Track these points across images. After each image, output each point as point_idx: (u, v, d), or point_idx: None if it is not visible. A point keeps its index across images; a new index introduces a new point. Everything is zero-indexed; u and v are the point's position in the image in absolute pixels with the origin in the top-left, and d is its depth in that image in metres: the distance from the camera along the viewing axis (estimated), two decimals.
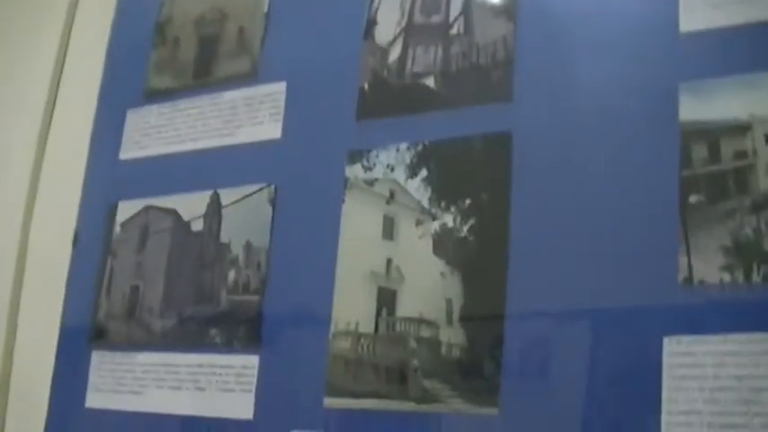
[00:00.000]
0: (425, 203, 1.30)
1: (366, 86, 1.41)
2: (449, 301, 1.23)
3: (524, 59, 1.29)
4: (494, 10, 1.34)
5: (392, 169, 1.34)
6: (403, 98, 1.38)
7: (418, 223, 1.29)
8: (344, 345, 1.29)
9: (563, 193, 1.21)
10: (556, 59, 1.27)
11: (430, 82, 1.36)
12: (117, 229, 1.58)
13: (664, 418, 1.06)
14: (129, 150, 1.62)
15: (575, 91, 1.24)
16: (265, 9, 1.57)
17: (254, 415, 1.34)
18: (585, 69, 1.25)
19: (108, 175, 1.63)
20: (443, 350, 1.22)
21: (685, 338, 1.08)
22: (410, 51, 1.40)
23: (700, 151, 1.13)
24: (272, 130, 1.47)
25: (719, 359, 1.06)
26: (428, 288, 1.26)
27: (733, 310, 1.07)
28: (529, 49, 1.30)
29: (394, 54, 1.41)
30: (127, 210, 1.58)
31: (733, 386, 1.04)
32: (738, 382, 1.04)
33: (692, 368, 1.06)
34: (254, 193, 1.45)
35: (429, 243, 1.28)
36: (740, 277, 1.07)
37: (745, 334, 1.05)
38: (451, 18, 1.38)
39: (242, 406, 1.34)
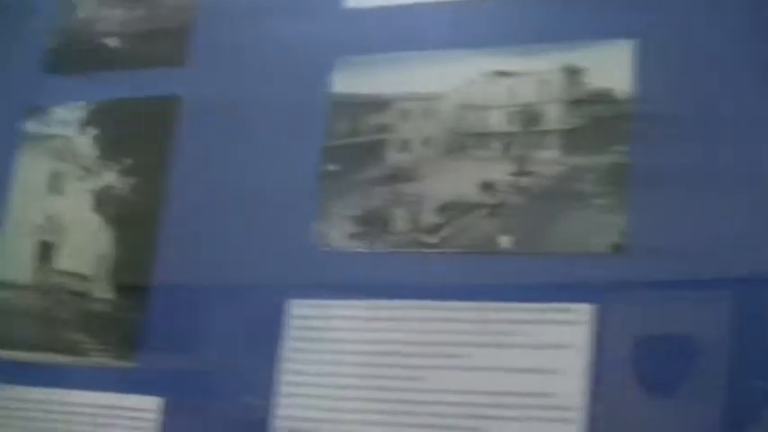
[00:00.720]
0: (92, 161, 1.31)
1: (54, 43, 1.41)
2: (102, 258, 1.25)
3: (203, 25, 1.32)
4: None
5: (65, 126, 1.34)
6: (87, 57, 1.39)
7: (83, 180, 1.31)
8: (4, 296, 1.29)
9: (223, 158, 1.24)
10: (231, 27, 1.30)
11: (113, 42, 1.37)
12: None
13: (282, 377, 1.10)
14: None
15: (245, 58, 1.28)
16: None
17: None
18: (257, 38, 1.28)
19: None
20: (92, 305, 1.24)
21: (309, 302, 1.12)
22: (99, 11, 1.40)
23: (344, 123, 1.18)
24: None
25: (340, 323, 1.10)
26: (85, 244, 1.27)
27: (359, 277, 1.11)
28: (208, 15, 1.32)
29: (83, 12, 1.41)
30: None
31: (350, 350, 1.09)
32: (354, 346, 1.08)
33: (312, 331, 1.11)
34: None
35: (91, 200, 1.29)
36: (367, 245, 1.12)
37: (370, 301, 1.09)
38: None
39: None
